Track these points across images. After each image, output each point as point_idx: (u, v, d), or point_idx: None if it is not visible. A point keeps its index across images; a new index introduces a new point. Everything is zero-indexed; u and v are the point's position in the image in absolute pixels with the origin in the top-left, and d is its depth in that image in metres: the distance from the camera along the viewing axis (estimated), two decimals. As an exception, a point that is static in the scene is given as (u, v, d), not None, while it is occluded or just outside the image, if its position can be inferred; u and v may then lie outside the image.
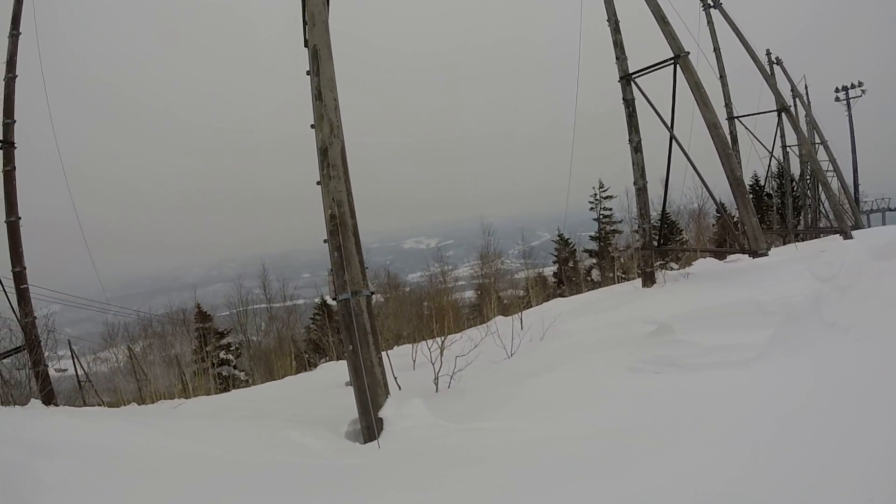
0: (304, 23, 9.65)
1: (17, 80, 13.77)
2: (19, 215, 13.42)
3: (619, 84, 15.95)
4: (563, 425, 5.37)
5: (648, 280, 15.48)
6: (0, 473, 4.59)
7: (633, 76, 15.68)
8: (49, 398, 13.00)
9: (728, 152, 14.13)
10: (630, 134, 15.87)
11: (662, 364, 6.61)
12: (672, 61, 14.51)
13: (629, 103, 15.80)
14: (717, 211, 26.58)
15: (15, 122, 13.63)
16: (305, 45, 9.57)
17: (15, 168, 13.52)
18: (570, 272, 34.00)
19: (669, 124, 15.01)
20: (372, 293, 6.46)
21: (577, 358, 7.76)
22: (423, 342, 9.11)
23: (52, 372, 15.76)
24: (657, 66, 15.12)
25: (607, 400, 5.76)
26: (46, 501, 4.27)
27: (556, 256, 35.56)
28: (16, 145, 13.57)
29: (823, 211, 28.84)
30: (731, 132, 23.61)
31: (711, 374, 5.68)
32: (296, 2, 7.87)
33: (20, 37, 13.87)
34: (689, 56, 14.40)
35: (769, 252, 14.00)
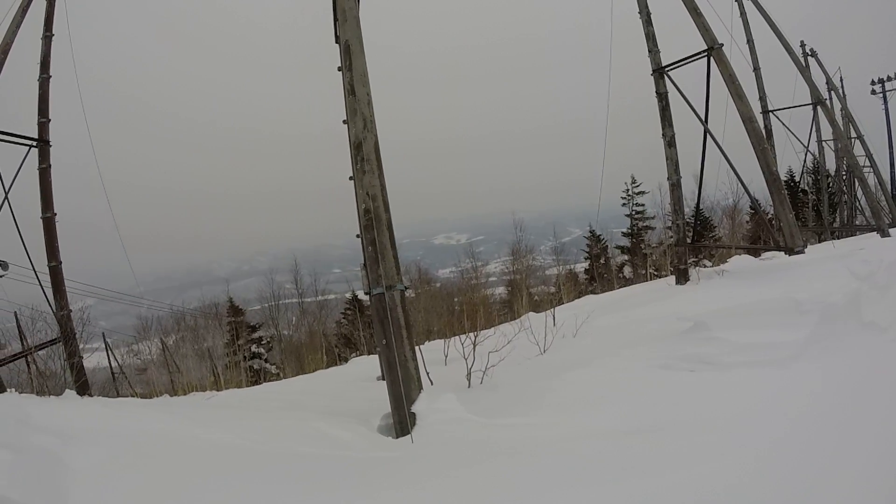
0: (335, 19, 9.68)
1: (50, 80, 14.08)
2: (55, 211, 13.74)
3: (652, 77, 15.70)
4: (596, 422, 5.32)
5: (682, 277, 15.26)
6: (33, 460, 4.70)
7: (666, 69, 15.40)
8: (83, 389, 13.29)
9: (763, 147, 13.77)
10: (663, 128, 15.61)
11: (697, 362, 6.47)
12: (705, 53, 14.21)
13: (662, 97, 15.55)
14: (752, 207, 26.03)
15: (49, 121, 13.94)
16: (336, 42, 9.60)
17: (50, 166, 13.84)
18: (601, 269, 33.76)
19: (703, 118, 14.70)
20: (406, 287, 6.44)
21: (610, 355, 7.67)
22: (456, 337, 9.07)
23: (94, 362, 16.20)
24: (690, 59, 14.80)
25: (641, 397, 5.68)
26: (77, 487, 4.39)
27: (587, 253, 35.33)
28: (51, 144, 13.88)
29: (860, 208, 28.06)
30: (765, 126, 23.11)
31: (747, 372, 5.58)
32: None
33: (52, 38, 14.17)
34: (723, 48, 14.05)
35: (805, 249, 13.62)
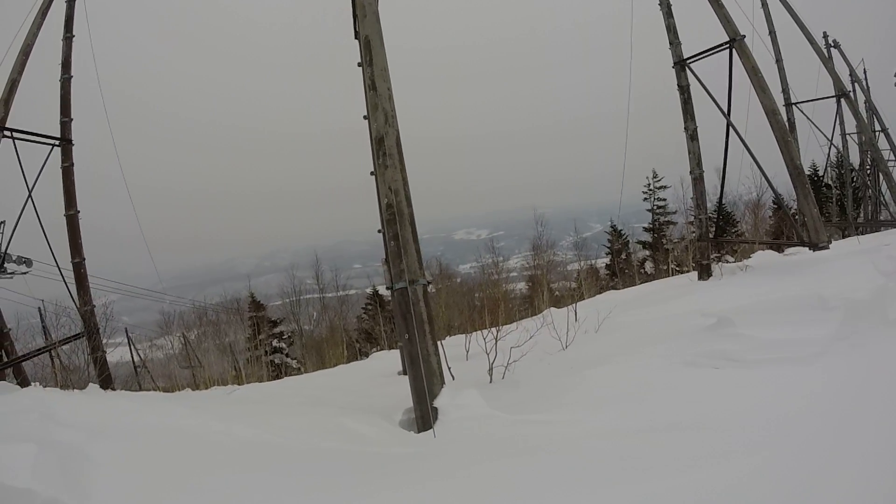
0: (354, 15, 9.67)
1: (72, 80, 14.26)
2: (78, 209, 13.92)
3: (674, 70, 15.46)
4: (620, 419, 5.27)
5: (705, 273, 15.08)
6: (58, 454, 4.73)
7: (688, 61, 15.16)
8: (107, 383, 13.47)
9: (787, 140, 13.53)
10: (685, 121, 15.40)
11: (721, 358, 6.38)
12: (727, 45, 13.96)
13: (684, 90, 15.32)
14: (775, 202, 25.61)
15: (72, 120, 14.11)
16: (356, 37, 9.60)
17: (73, 164, 14.01)
18: (622, 264, 33.49)
19: (726, 111, 14.46)
20: (428, 282, 6.41)
21: (633, 351, 7.60)
22: (478, 332, 9.04)
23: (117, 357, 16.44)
24: (712, 51, 14.57)
25: (665, 394, 5.61)
26: (101, 481, 4.43)
27: (608, 248, 35.03)
28: (73, 142, 14.06)
29: (884, 202, 27.47)
30: (788, 119, 22.71)
31: (772, 369, 5.52)
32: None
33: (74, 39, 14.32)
34: (745, 40, 13.80)
35: (830, 245, 13.36)
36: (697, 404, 5.11)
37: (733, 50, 13.84)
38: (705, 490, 3.32)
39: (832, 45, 26.31)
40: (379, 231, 9.65)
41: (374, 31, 6.99)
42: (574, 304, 12.10)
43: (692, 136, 15.30)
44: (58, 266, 13.17)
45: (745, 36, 13.81)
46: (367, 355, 21.14)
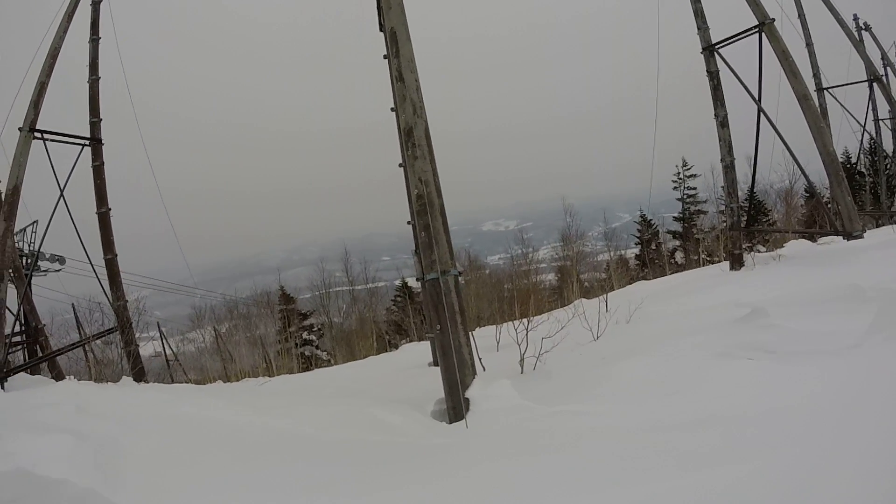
0: (379, 8, 9.65)
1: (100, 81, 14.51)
2: (109, 206, 14.18)
3: (702, 56, 15.17)
4: (655, 411, 5.21)
5: (737, 263, 14.86)
6: (96, 447, 4.80)
7: (717, 47, 14.85)
8: (140, 376, 13.74)
9: (820, 126, 13.22)
10: (715, 108, 15.15)
11: (755, 350, 6.29)
12: (757, 29, 13.66)
13: (713, 76, 15.05)
14: (807, 190, 25.00)
15: (101, 120, 14.36)
16: (381, 30, 9.58)
17: (103, 163, 14.28)
18: (652, 254, 32.93)
19: (757, 97, 14.15)
20: (460, 272, 6.39)
21: (665, 342, 7.51)
22: (510, 323, 9.01)
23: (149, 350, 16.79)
24: (741, 35, 14.28)
25: (700, 386, 5.52)
26: (136, 472, 4.51)
27: (638, 238, 34.59)
28: (103, 142, 14.32)
29: (919, 190, 26.68)
30: (820, 104, 22.12)
31: (807, 362, 5.42)
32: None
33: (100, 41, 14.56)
34: (774, 23, 13.46)
35: (864, 234, 13.03)
36: (733, 397, 5.02)
37: (763, 34, 13.55)
38: (746, 485, 3.26)
39: (863, 27, 25.59)
40: (408, 222, 9.63)
41: (400, 22, 6.98)
42: (605, 295, 11.99)
43: (722, 123, 15.04)
44: (90, 263, 13.44)
45: (774, 19, 13.51)
46: (396, 347, 21.19)
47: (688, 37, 15.48)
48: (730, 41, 14.72)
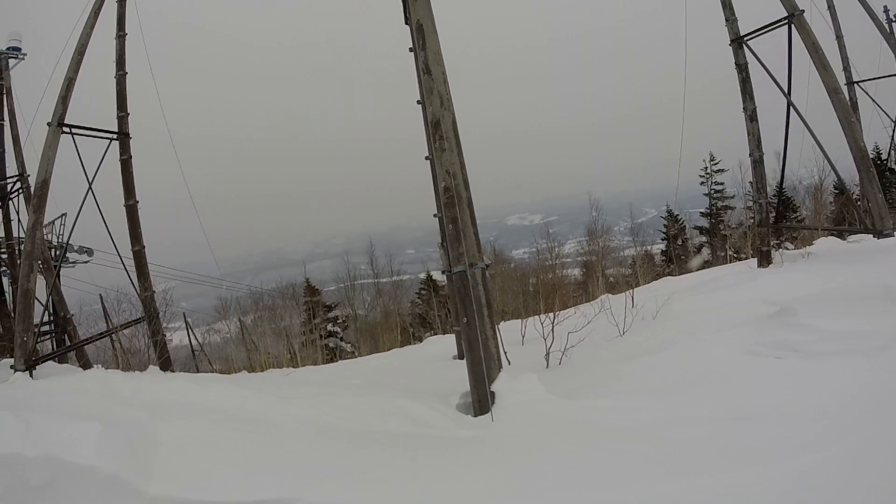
0: (404, 1, 9.63)
1: (127, 76, 14.72)
2: (137, 199, 14.39)
3: (730, 48, 14.84)
4: (681, 407, 5.21)
5: (765, 260, 14.57)
6: (124, 433, 4.87)
7: (745, 38, 14.54)
8: (166, 365, 13.93)
9: (851, 121, 12.89)
10: (744, 101, 14.78)
11: (783, 348, 6.22)
12: (786, 21, 13.35)
13: (742, 68, 14.70)
14: (836, 187, 24.42)
15: (128, 114, 14.56)
16: (406, 23, 9.57)
17: (131, 157, 14.46)
18: (678, 250, 32.56)
19: (786, 90, 13.85)
20: (487, 265, 6.38)
21: (692, 338, 7.47)
22: (535, 317, 8.98)
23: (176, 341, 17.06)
24: (770, 27, 13.95)
25: (727, 384, 5.51)
26: (165, 459, 4.58)
27: (664, 233, 33.98)
28: (130, 136, 14.53)
29: (952, 188, 25.91)
30: (850, 98, 21.58)
31: (837, 361, 5.40)
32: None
33: (126, 37, 14.77)
34: (803, 15, 13.16)
35: (895, 232, 12.72)
36: (760, 395, 5.01)
37: (792, 25, 13.24)
38: (772, 484, 3.26)
39: (893, 19, 24.86)
40: (435, 215, 9.63)
41: (426, 14, 6.96)
42: (631, 290, 11.89)
43: (751, 117, 14.69)
44: (118, 254, 13.61)
45: (803, 11, 13.19)
46: (420, 340, 21.22)
47: (716, 29, 15.23)
48: (758, 33, 14.38)
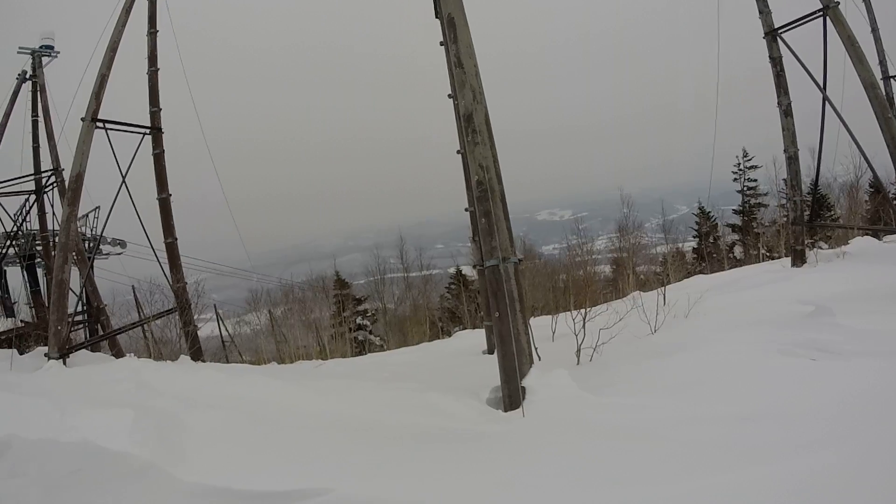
0: (434, -6, 9.62)
1: (159, 72, 14.99)
2: (170, 192, 14.65)
3: (764, 41, 14.57)
4: (714, 406, 5.15)
5: (798, 259, 14.35)
6: (156, 422, 4.95)
7: (779, 31, 14.24)
8: (197, 355, 14.15)
9: (888, 116, 12.61)
10: (779, 96, 14.54)
11: (817, 349, 6.14)
12: (821, 13, 13.03)
13: (776, 62, 14.45)
14: (872, 185, 23.73)
15: (161, 109, 14.83)
16: (436, 16, 9.57)
17: (163, 151, 14.74)
18: (710, 248, 31.97)
19: (821, 85, 13.53)
20: (520, 260, 6.36)
21: (725, 337, 7.37)
22: (566, 313, 8.94)
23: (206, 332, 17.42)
24: (805, 20, 13.69)
25: (760, 383, 5.43)
26: (196, 447, 4.63)
27: (696, 231, 33.46)
28: (163, 130, 14.80)
29: None
30: (887, 93, 20.93)
31: (871, 363, 5.29)
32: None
33: (158, 34, 15.01)
34: (839, 7, 12.83)
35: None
36: (794, 396, 4.92)
37: (827, 18, 12.93)
38: (804, 483, 3.20)
39: (931, 11, 24.07)
40: (466, 209, 9.59)
41: (458, 8, 6.94)
42: (663, 288, 11.77)
43: (786, 112, 14.41)
44: (151, 246, 13.87)
45: (839, 2, 12.87)
46: (449, 334, 21.22)
47: (750, 22, 14.92)
48: (793, 25, 14.09)
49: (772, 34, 14.42)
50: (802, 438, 3.90)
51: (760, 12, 14.56)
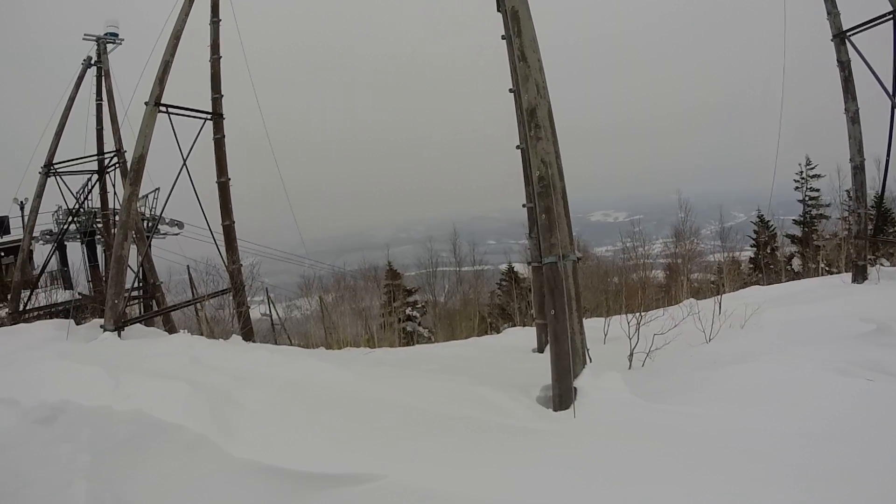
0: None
1: (221, 60, 15.42)
2: (229, 176, 15.11)
3: (832, 43, 14.00)
4: (768, 420, 5.01)
5: (860, 275, 13.79)
6: (209, 397, 5.06)
7: (848, 34, 13.63)
8: (248, 335, 14.56)
9: (960, 127, 11.85)
10: (846, 102, 13.96)
11: (877, 370, 5.89)
12: (891, 16, 12.44)
13: (844, 66, 13.88)
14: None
15: (222, 96, 15.27)
16: (498, 10, 9.55)
17: (224, 136, 15.20)
18: (767, 258, 31.09)
19: (891, 91, 12.89)
20: (579, 258, 6.32)
21: (781, 351, 7.16)
22: (620, 316, 8.84)
23: (256, 314, 17.93)
24: (875, 22, 13.18)
25: (815, 401, 5.25)
26: (247, 423, 4.74)
27: (753, 240, 32.64)
28: (224, 116, 15.25)
29: None
30: (960, 102, 19.75)
31: None
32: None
33: (220, 23, 15.42)
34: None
35: None
36: (852, 416, 4.77)
37: (898, 21, 12.33)
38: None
39: None
40: (524, 205, 9.56)
41: (521, 1, 6.90)
42: (719, 296, 11.47)
43: (853, 119, 13.78)
44: (209, 227, 14.30)
45: (911, 4, 12.24)
46: (498, 330, 21.16)
47: (818, 22, 14.31)
48: (863, 28, 13.52)
49: (840, 36, 13.83)
50: (869, 462, 3.81)
51: (829, 13, 13.97)
